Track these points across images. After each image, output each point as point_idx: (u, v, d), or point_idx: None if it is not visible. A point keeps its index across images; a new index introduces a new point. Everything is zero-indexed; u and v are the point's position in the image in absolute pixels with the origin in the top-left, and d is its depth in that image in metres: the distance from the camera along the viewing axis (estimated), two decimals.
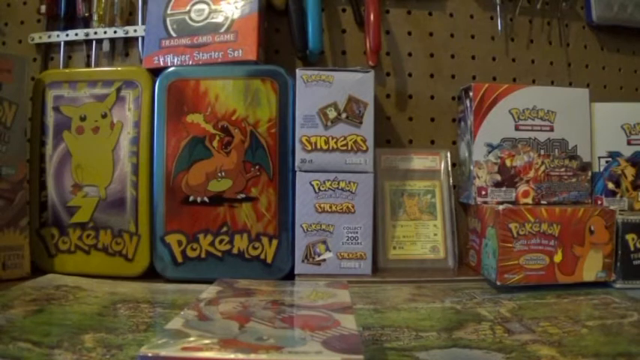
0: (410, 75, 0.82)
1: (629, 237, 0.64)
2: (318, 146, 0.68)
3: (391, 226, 0.74)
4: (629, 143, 0.74)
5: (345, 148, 0.68)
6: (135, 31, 0.78)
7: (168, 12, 0.74)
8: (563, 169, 0.73)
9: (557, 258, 0.63)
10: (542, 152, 0.73)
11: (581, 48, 0.86)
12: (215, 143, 0.68)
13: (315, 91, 0.68)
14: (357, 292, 0.60)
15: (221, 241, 0.68)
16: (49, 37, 0.79)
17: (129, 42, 0.80)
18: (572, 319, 0.52)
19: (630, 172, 0.74)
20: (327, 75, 0.68)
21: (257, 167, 0.68)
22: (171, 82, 0.69)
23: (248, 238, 0.68)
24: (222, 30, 0.72)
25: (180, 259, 0.68)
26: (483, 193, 0.71)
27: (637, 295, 0.60)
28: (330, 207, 0.67)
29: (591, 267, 0.64)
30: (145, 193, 0.69)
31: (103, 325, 0.48)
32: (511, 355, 0.42)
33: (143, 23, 0.78)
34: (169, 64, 0.71)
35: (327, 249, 0.68)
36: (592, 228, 0.64)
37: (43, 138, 0.70)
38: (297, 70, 0.68)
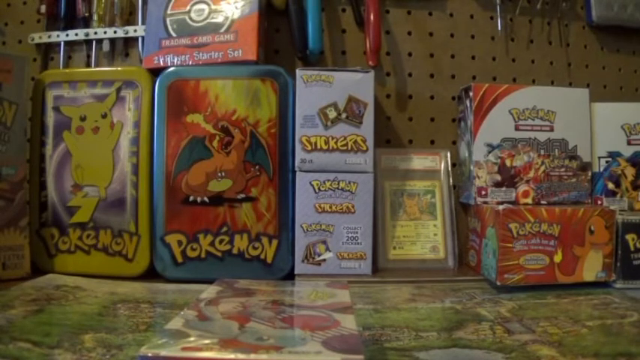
0: (410, 75, 0.82)
1: (629, 237, 0.64)
2: (318, 146, 0.68)
3: (391, 226, 0.74)
4: (629, 143, 0.74)
5: (345, 148, 0.68)
6: (135, 31, 0.78)
7: (168, 12, 0.74)
8: (563, 169, 0.73)
9: (557, 258, 0.63)
10: (542, 152, 0.73)
11: (581, 48, 0.86)
12: (215, 143, 0.68)
13: (315, 91, 0.68)
14: (357, 292, 0.60)
15: (221, 241, 0.68)
16: (49, 37, 0.79)
17: (129, 42, 0.80)
18: (572, 319, 0.52)
19: (630, 172, 0.74)
20: (327, 75, 0.68)
21: (257, 167, 0.68)
22: (171, 82, 0.69)
23: (248, 238, 0.68)
24: (222, 30, 0.72)
25: (180, 259, 0.68)
26: (483, 193, 0.71)
27: (637, 295, 0.60)
28: (330, 207, 0.67)
29: (591, 267, 0.64)
30: (145, 193, 0.69)
31: (103, 325, 0.48)
32: (511, 355, 0.42)
33: (143, 23, 0.78)
34: (169, 64, 0.71)
35: (327, 249, 0.67)
36: (592, 228, 0.64)
37: (43, 138, 0.70)
38: (297, 70, 0.68)
